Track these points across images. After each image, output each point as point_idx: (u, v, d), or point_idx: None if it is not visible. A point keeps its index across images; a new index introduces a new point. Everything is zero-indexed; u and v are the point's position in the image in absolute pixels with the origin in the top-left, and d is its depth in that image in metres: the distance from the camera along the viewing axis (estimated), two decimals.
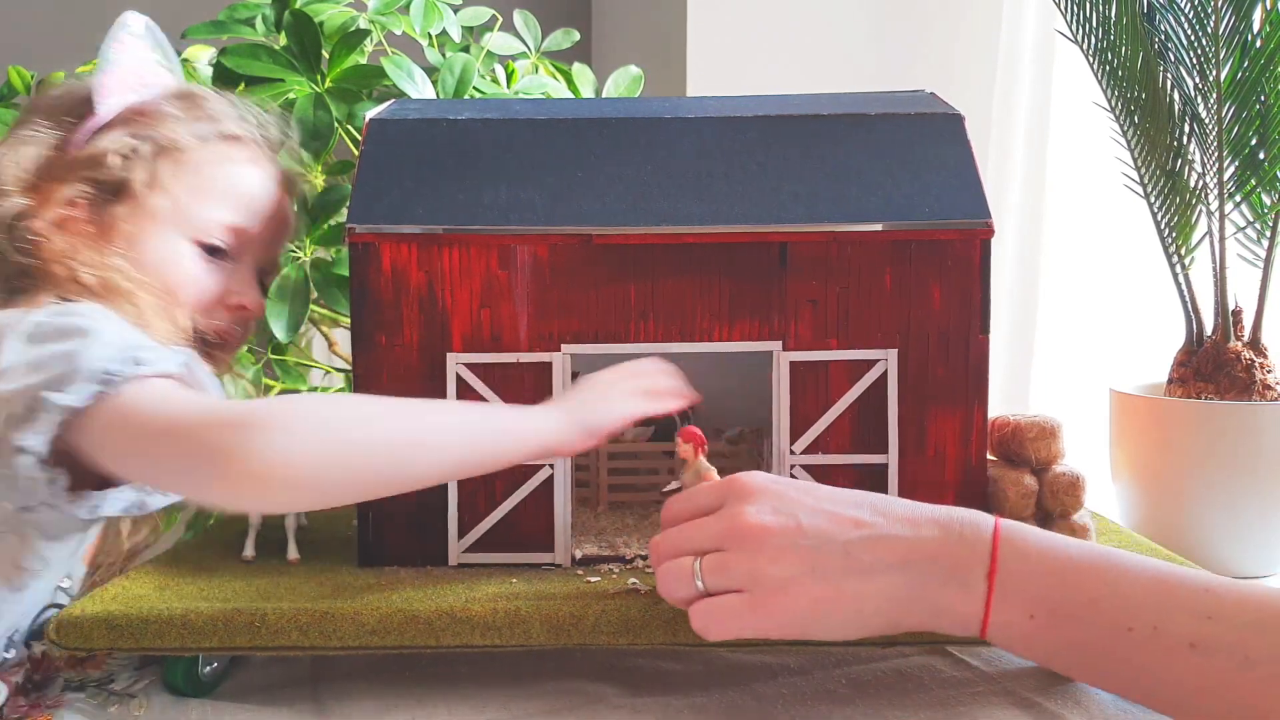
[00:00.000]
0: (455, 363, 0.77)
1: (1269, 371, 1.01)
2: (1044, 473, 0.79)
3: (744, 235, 0.76)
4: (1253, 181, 1.00)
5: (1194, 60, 1.01)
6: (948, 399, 0.78)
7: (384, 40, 1.10)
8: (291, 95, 1.01)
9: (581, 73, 1.24)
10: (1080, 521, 0.79)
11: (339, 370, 1.26)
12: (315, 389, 1.28)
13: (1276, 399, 1.00)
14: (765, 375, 0.78)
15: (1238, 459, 0.97)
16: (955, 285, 0.77)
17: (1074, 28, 1.06)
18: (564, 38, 1.25)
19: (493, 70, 1.15)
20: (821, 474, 0.78)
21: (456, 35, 1.16)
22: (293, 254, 1.02)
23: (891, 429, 0.78)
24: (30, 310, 0.69)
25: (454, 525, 0.78)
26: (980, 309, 0.77)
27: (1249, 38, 0.98)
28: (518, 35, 1.22)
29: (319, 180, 1.08)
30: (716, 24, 1.48)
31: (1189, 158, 1.04)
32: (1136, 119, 1.04)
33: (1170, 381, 1.05)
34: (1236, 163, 1.00)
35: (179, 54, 1.10)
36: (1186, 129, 1.03)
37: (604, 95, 1.22)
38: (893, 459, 0.78)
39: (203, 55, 1.10)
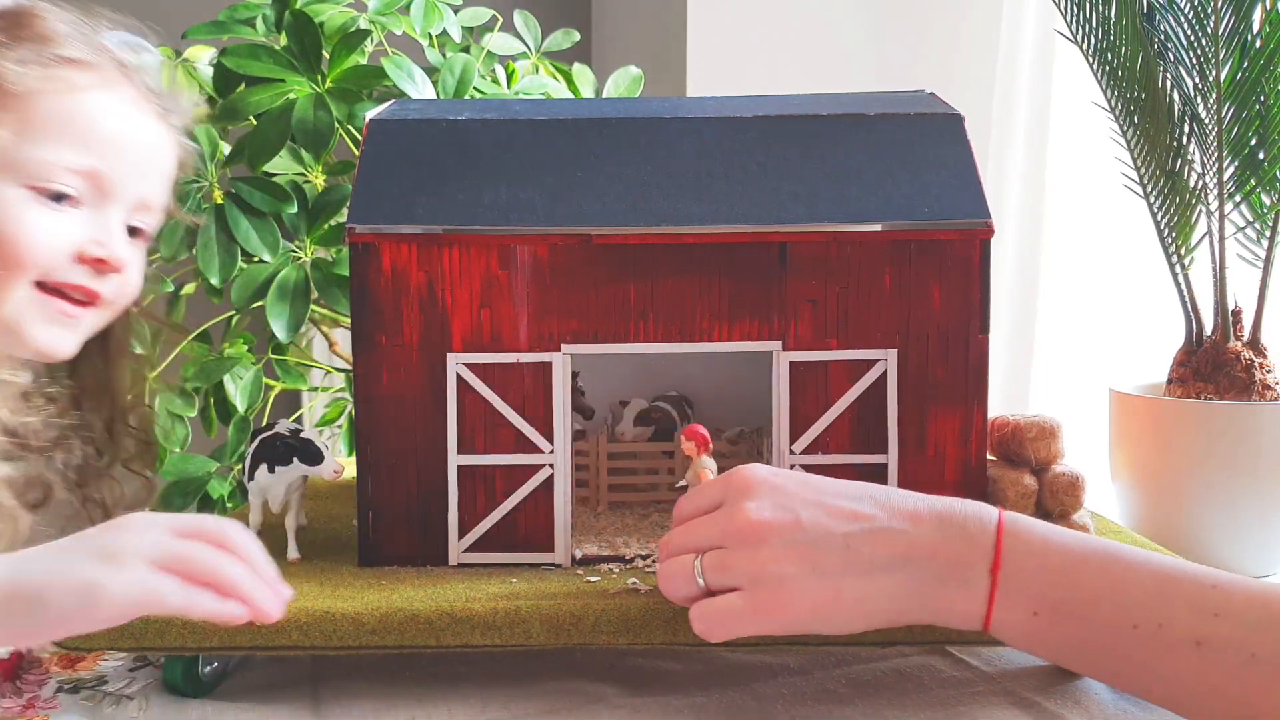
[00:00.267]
0: (455, 363, 0.77)
1: (1269, 371, 1.01)
2: (1044, 473, 0.79)
3: (744, 235, 0.76)
4: (1253, 181, 1.00)
5: (1194, 60, 1.01)
6: (948, 399, 0.78)
7: (384, 40, 1.10)
8: (292, 95, 1.01)
9: (581, 73, 1.24)
10: (1080, 521, 0.79)
11: (339, 370, 1.26)
12: (315, 389, 1.28)
13: (1276, 399, 1.00)
14: (765, 375, 0.78)
15: (1238, 459, 0.97)
16: (955, 285, 0.77)
17: (1074, 28, 1.06)
18: (564, 38, 1.25)
19: (493, 70, 1.15)
20: (821, 474, 0.77)
21: (457, 35, 1.17)
22: (293, 254, 1.02)
23: (891, 429, 0.78)
24: None
25: (454, 525, 0.78)
26: (980, 309, 0.77)
27: (1249, 38, 0.98)
28: (518, 35, 1.22)
29: (319, 180, 1.08)
30: (716, 24, 1.48)
31: (1189, 158, 1.04)
32: (1136, 119, 1.04)
33: (1170, 381, 1.05)
34: (1236, 163, 1.00)
35: (179, 54, 1.10)
36: (1186, 129, 1.03)
37: (604, 95, 1.22)
38: (892, 459, 0.78)
39: (203, 55, 1.10)
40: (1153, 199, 1.05)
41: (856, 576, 0.60)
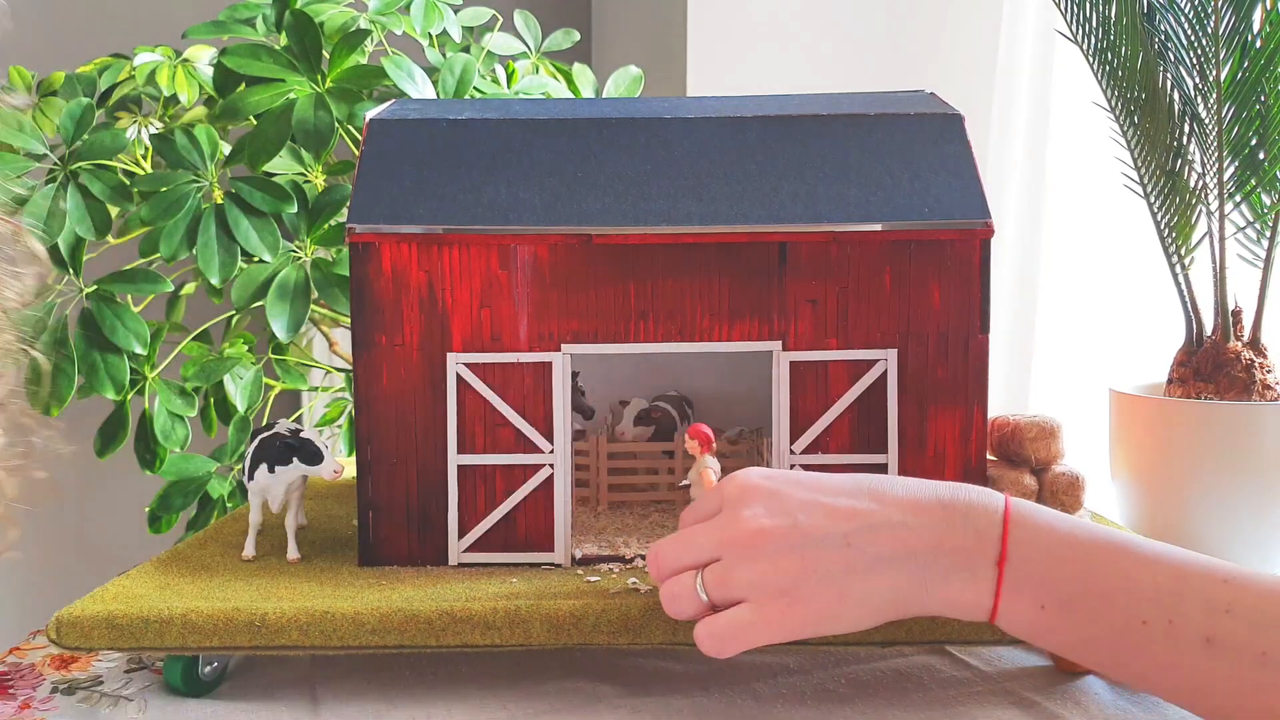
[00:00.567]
0: (455, 363, 0.77)
1: (1269, 371, 1.01)
2: (1044, 473, 0.79)
3: (744, 235, 0.76)
4: (1253, 181, 1.00)
5: (1194, 60, 1.01)
6: (948, 399, 0.78)
7: (384, 40, 1.10)
8: (292, 95, 1.02)
9: (581, 73, 1.24)
10: None
11: (339, 370, 1.26)
12: (315, 389, 1.28)
13: (1276, 399, 1.00)
14: (765, 375, 0.78)
15: (1238, 459, 0.97)
16: (955, 285, 0.77)
17: (1074, 28, 1.06)
18: (564, 38, 1.25)
19: (493, 70, 1.15)
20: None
21: (457, 35, 1.17)
22: (293, 254, 1.02)
23: (891, 429, 0.78)
24: None
25: (454, 525, 0.78)
26: (980, 309, 0.77)
27: (1249, 38, 0.98)
28: (518, 35, 1.22)
29: (319, 180, 1.08)
30: (716, 24, 1.48)
31: (1189, 158, 1.04)
32: (1136, 119, 1.04)
33: (1170, 381, 1.05)
34: (1236, 163, 1.00)
35: (179, 54, 1.10)
36: (1186, 129, 1.03)
37: (604, 95, 1.22)
38: (893, 459, 0.78)
39: (203, 55, 1.10)
40: (1153, 199, 1.05)
41: (860, 574, 0.59)
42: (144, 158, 1.10)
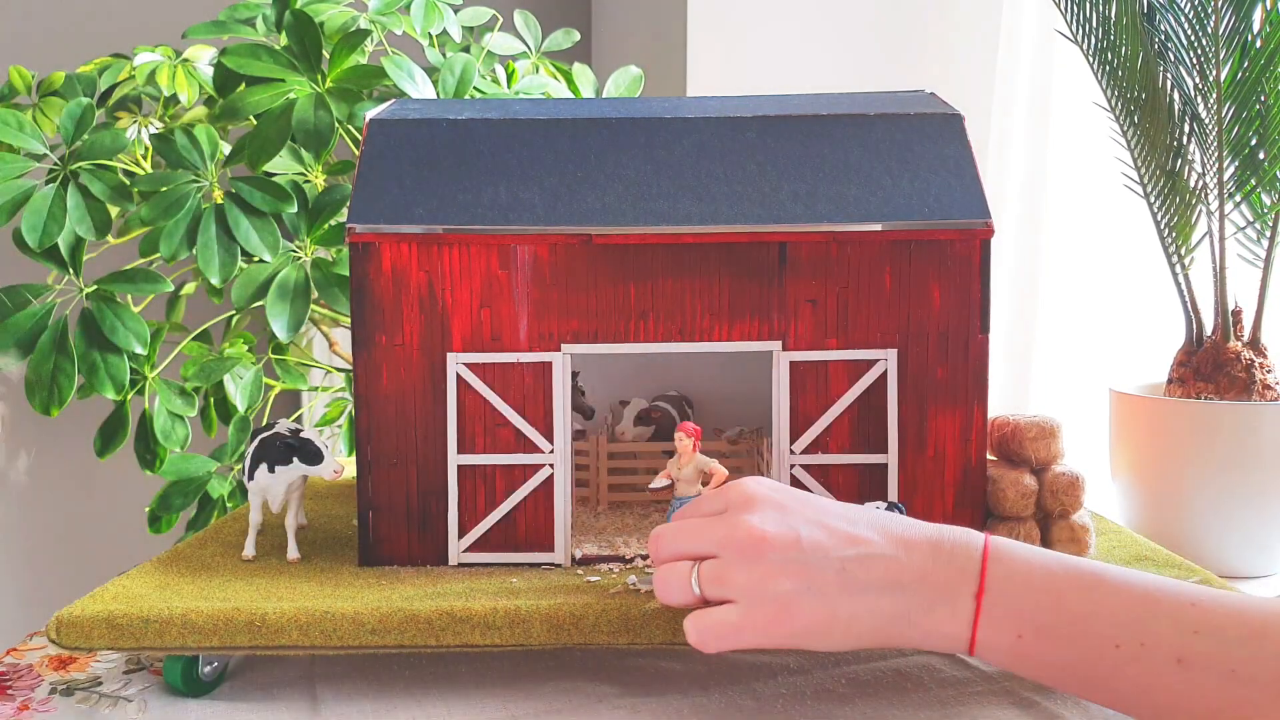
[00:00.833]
0: (455, 363, 0.77)
1: (1269, 371, 1.01)
2: (1044, 473, 0.79)
3: (743, 235, 0.76)
4: (1253, 181, 1.00)
5: (1194, 60, 1.01)
6: (948, 399, 0.78)
7: (384, 40, 1.10)
8: (292, 95, 1.02)
9: (581, 73, 1.24)
10: (1080, 521, 0.79)
11: (339, 370, 1.26)
12: (315, 389, 1.28)
13: (1276, 399, 1.00)
14: (765, 375, 0.78)
15: (1238, 459, 0.97)
16: (955, 285, 0.77)
17: (1074, 28, 1.06)
18: (564, 38, 1.25)
19: (493, 70, 1.15)
20: (821, 474, 0.78)
21: (457, 35, 1.17)
22: (293, 254, 1.02)
23: (891, 429, 0.78)
24: None
25: (454, 525, 0.78)
26: (980, 309, 0.77)
27: (1249, 38, 0.98)
28: (518, 35, 1.22)
29: (319, 180, 1.08)
30: (716, 24, 1.48)
31: (1189, 158, 1.04)
32: (1136, 119, 1.04)
33: (1170, 381, 1.05)
34: (1236, 163, 1.00)
35: (179, 54, 1.10)
36: (1186, 129, 1.03)
37: (604, 95, 1.22)
38: (893, 459, 0.78)
39: (203, 55, 1.10)
40: (1153, 199, 1.05)
41: (850, 597, 0.61)
42: (144, 158, 1.10)
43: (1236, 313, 1.03)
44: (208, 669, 0.71)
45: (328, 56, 1.05)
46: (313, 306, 1.03)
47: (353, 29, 1.06)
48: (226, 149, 1.05)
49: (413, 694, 0.70)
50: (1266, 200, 1.01)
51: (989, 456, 0.82)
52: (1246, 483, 0.98)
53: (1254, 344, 1.02)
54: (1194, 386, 1.02)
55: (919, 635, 0.62)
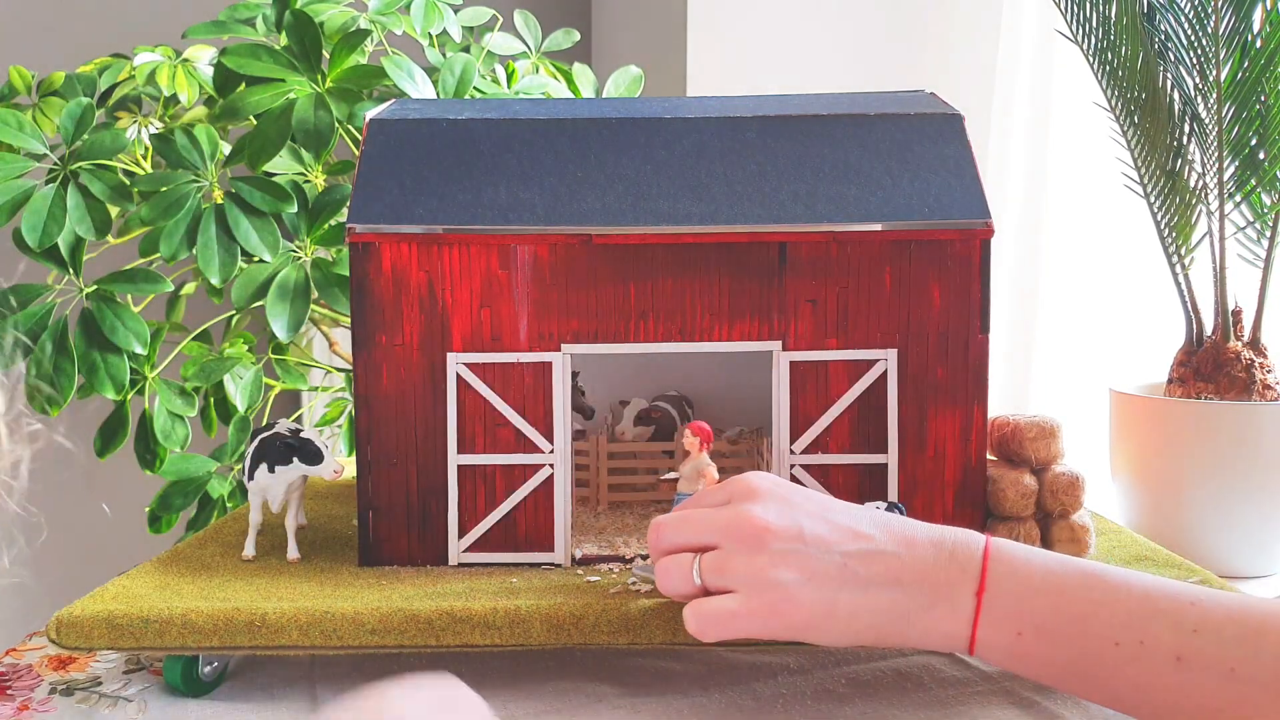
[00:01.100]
0: (455, 362, 0.77)
1: (1269, 371, 1.01)
2: (1044, 472, 0.79)
3: (743, 235, 0.76)
4: (1253, 181, 1.00)
5: (1194, 60, 1.01)
6: (948, 399, 0.78)
7: (384, 40, 1.10)
8: (292, 95, 1.01)
9: (581, 73, 1.24)
10: (1080, 521, 0.79)
11: (339, 370, 1.26)
12: (315, 389, 1.28)
13: (1276, 399, 1.00)
14: (765, 375, 0.78)
15: (1238, 459, 0.97)
16: (955, 285, 0.77)
17: (1074, 28, 1.06)
18: (564, 38, 1.25)
19: (493, 70, 1.15)
20: (821, 473, 0.78)
21: (457, 35, 1.17)
22: (293, 254, 1.02)
23: (891, 429, 0.78)
24: None
25: (454, 525, 0.78)
26: (980, 309, 0.77)
27: (1249, 38, 0.98)
28: (518, 35, 1.22)
29: (319, 180, 1.08)
30: (716, 24, 1.48)
31: (1189, 158, 1.04)
32: (1136, 119, 1.04)
33: (1170, 381, 1.05)
34: (1236, 163, 1.00)
35: (179, 54, 1.10)
36: (1186, 129, 1.03)
37: (604, 95, 1.22)
38: (893, 458, 0.78)
39: (203, 55, 1.10)
40: (1153, 199, 1.05)
41: (850, 592, 0.61)
42: (144, 158, 1.10)
43: (1236, 313, 1.03)
44: (208, 669, 0.71)
45: (328, 56, 1.05)
46: (313, 306, 1.02)
47: (353, 29, 1.06)
48: (226, 149, 1.05)
49: None
50: (1266, 200, 1.01)
51: (989, 456, 0.82)
52: (1246, 483, 0.98)
53: (1254, 344, 1.02)
54: (1194, 386, 1.02)
55: (918, 633, 0.62)
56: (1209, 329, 1.04)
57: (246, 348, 1.14)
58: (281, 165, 1.06)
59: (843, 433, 0.78)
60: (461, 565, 0.78)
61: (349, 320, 0.82)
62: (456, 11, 1.16)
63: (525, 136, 0.81)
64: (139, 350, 1.01)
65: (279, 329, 0.99)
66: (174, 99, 1.08)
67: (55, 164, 1.01)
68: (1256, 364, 1.01)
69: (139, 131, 1.10)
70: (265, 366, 1.15)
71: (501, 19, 1.22)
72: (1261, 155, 1.00)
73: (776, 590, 0.61)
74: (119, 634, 0.67)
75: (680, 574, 0.63)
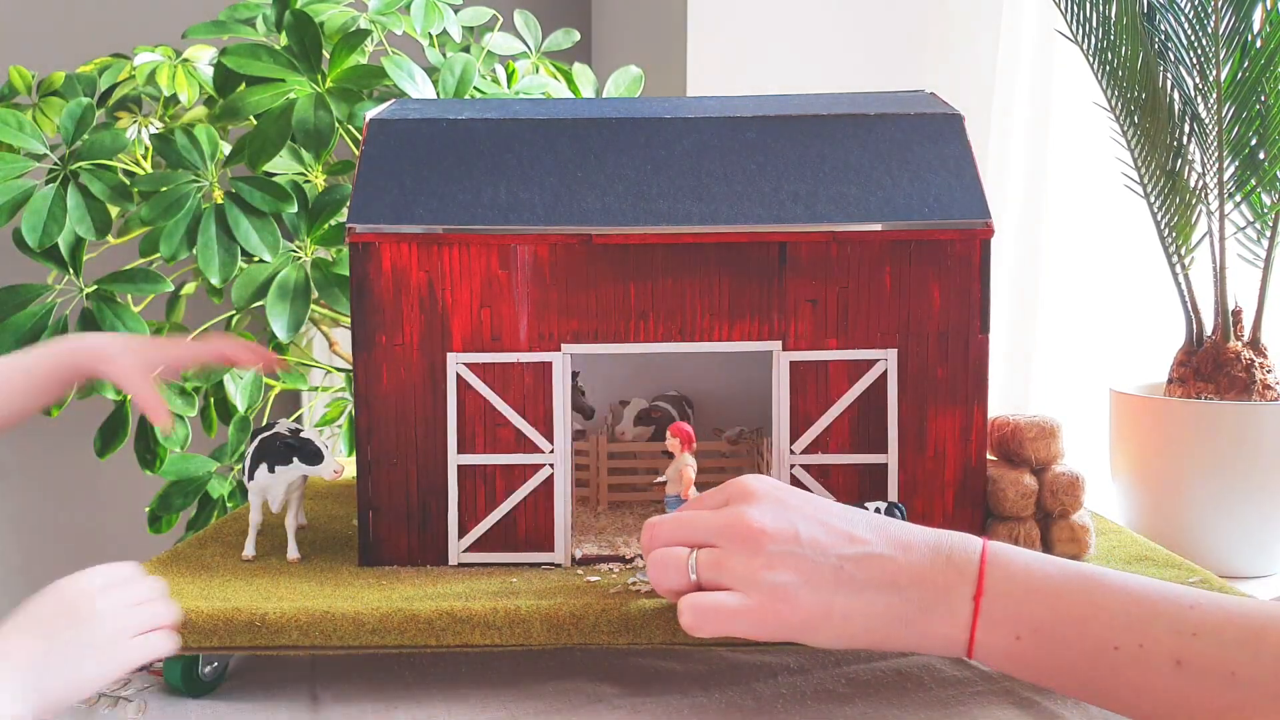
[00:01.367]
0: (455, 362, 0.77)
1: (1269, 371, 1.01)
2: (1044, 472, 0.79)
3: (744, 235, 0.76)
4: (1253, 181, 1.00)
5: (1194, 60, 1.01)
6: (948, 399, 0.78)
7: (384, 40, 1.11)
8: (292, 95, 1.02)
9: (581, 73, 1.24)
10: (1080, 521, 0.79)
11: (339, 370, 1.26)
12: (315, 389, 1.28)
13: (1276, 399, 1.00)
14: (765, 375, 0.78)
15: (1238, 459, 0.97)
16: (955, 285, 0.77)
17: (1074, 28, 1.06)
18: (564, 38, 1.25)
19: (493, 70, 1.15)
20: (821, 473, 0.78)
21: (457, 35, 1.17)
22: (293, 254, 1.02)
23: (891, 429, 0.78)
24: None
25: (454, 525, 0.78)
26: (980, 309, 0.77)
27: (1249, 38, 0.98)
28: (518, 35, 1.22)
29: (319, 180, 1.08)
30: (716, 24, 1.48)
31: (1189, 158, 1.04)
32: (1136, 119, 1.04)
33: (1170, 381, 1.05)
34: (1236, 163, 1.00)
35: (179, 54, 1.10)
36: (1186, 129, 1.03)
37: (604, 95, 1.22)
38: (893, 458, 0.78)
39: (203, 55, 1.10)
40: (1153, 199, 1.05)
41: (845, 595, 0.61)
42: (144, 158, 1.11)
43: (1236, 313, 1.03)
44: (208, 669, 0.71)
45: (328, 56, 1.05)
46: (313, 306, 1.03)
47: (353, 29, 1.07)
48: (226, 149, 1.05)
49: (413, 694, 0.70)
50: (1266, 200, 1.01)
51: (989, 456, 0.82)
52: (1246, 483, 0.98)
53: (1254, 344, 1.02)
54: (1194, 386, 1.02)
55: (915, 637, 0.61)
56: (1209, 329, 1.04)
57: None
58: (281, 165, 1.06)
59: (843, 433, 0.78)
60: (461, 565, 0.78)
61: (349, 320, 0.82)
62: (456, 11, 1.16)
63: (525, 136, 0.81)
64: None
65: (279, 329, 0.99)
66: (174, 99, 1.08)
67: (55, 164, 1.01)
68: (1256, 364, 1.01)
69: (139, 131, 1.10)
70: None
71: (501, 19, 1.22)
72: (1261, 155, 1.00)
73: (772, 592, 0.61)
74: None
75: (675, 566, 0.63)
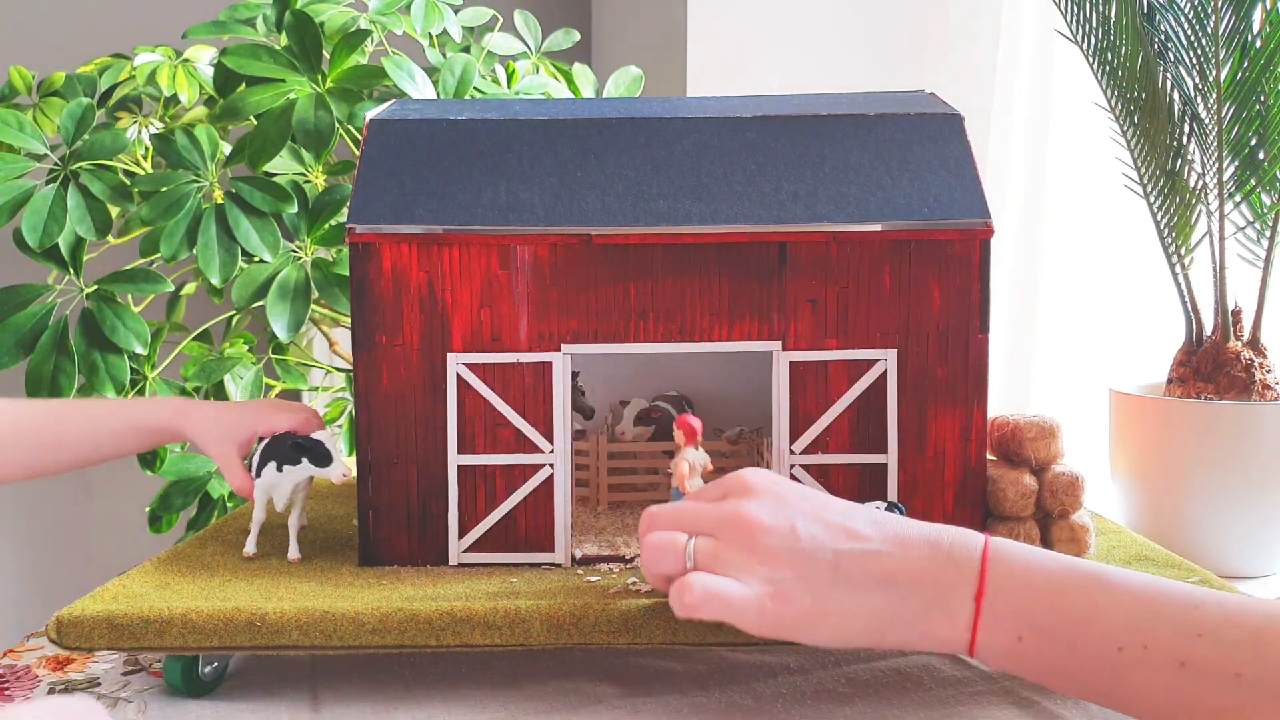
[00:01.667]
0: (455, 363, 0.77)
1: (1268, 371, 1.01)
2: (1043, 472, 0.79)
3: (743, 235, 0.76)
4: (1253, 181, 1.00)
5: (1194, 60, 1.01)
6: (948, 399, 0.78)
7: (385, 40, 1.11)
8: (292, 95, 1.02)
9: (581, 73, 1.24)
10: (1080, 521, 0.79)
11: (339, 370, 1.26)
12: (315, 389, 1.28)
13: (1276, 399, 1.00)
14: (765, 375, 0.78)
15: (1237, 459, 0.97)
16: (955, 285, 0.77)
17: (1074, 28, 1.06)
18: (564, 38, 1.25)
19: (493, 70, 1.15)
20: (821, 473, 0.78)
21: (457, 35, 1.17)
22: (293, 254, 1.02)
23: (891, 429, 0.78)
24: None
25: (454, 525, 0.78)
26: (980, 309, 0.77)
27: (1249, 38, 0.98)
28: (518, 35, 1.22)
29: (319, 180, 1.08)
30: (716, 24, 1.48)
31: (1189, 158, 1.04)
32: (1136, 119, 1.04)
33: (1170, 381, 1.05)
34: (1236, 163, 1.00)
35: (179, 54, 1.10)
36: (1186, 129, 1.03)
37: (604, 95, 1.22)
38: (892, 459, 0.78)
39: (203, 55, 1.10)
40: (1153, 199, 1.05)
41: (842, 593, 0.60)
42: (144, 158, 1.11)
43: (1236, 313, 1.03)
44: (208, 669, 0.71)
45: (328, 56, 1.05)
46: (313, 306, 1.03)
47: (353, 29, 1.07)
48: (226, 149, 1.05)
49: (413, 694, 0.70)
50: (1266, 200, 1.01)
51: (989, 456, 0.82)
52: (1246, 483, 0.98)
53: (1254, 344, 1.02)
54: (1194, 386, 1.02)
55: (915, 636, 0.61)
56: (1209, 329, 1.04)
57: (247, 348, 1.14)
58: (281, 165, 1.06)
59: (842, 433, 0.78)
60: (461, 565, 0.78)
61: (349, 320, 0.82)
62: (456, 11, 1.16)
63: (525, 136, 0.81)
64: (139, 350, 1.02)
65: (279, 329, 0.99)
66: (174, 99, 1.08)
67: (56, 164, 1.01)
68: (1256, 364, 1.01)
69: (139, 131, 1.10)
70: (265, 366, 1.15)
71: (501, 19, 1.22)
72: (1261, 155, 1.00)
73: (770, 586, 0.60)
74: (119, 634, 0.67)
75: (672, 551, 0.62)
